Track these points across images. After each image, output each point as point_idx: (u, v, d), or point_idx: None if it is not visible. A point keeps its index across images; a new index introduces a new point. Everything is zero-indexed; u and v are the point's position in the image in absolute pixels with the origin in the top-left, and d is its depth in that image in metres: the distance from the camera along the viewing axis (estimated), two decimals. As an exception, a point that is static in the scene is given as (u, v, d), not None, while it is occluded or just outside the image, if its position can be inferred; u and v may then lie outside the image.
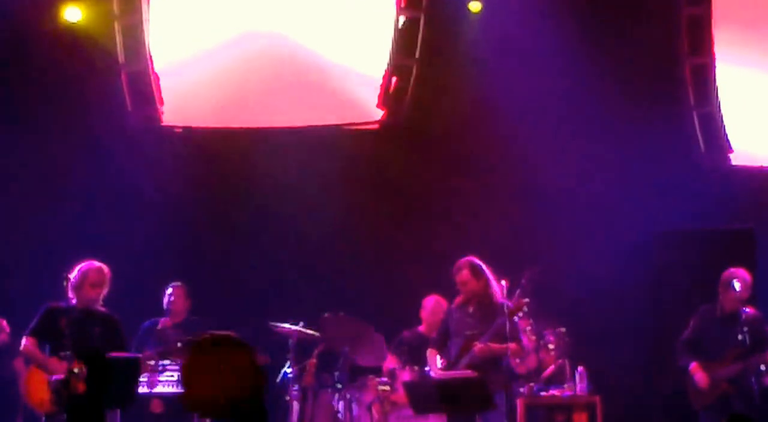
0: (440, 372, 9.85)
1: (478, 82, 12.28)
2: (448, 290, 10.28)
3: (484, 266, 9.87)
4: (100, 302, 9.60)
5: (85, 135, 12.12)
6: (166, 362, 10.43)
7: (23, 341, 9.50)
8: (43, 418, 9.44)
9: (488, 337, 9.60)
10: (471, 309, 9.86)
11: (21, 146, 12.03)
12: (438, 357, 9.92)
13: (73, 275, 9.51)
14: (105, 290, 9.59)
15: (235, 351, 5.15)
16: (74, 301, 9.50)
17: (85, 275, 9.51)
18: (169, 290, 11.13)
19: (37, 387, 9.31)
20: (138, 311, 10.94)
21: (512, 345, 9.66)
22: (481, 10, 12.25)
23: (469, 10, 12.29)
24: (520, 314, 9.66)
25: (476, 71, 12.29)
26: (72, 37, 12.03)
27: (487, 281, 9.81)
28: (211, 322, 10.89)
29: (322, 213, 12.21)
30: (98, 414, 9.07)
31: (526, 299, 9.68)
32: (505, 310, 9.53)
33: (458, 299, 10.00)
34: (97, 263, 9.62)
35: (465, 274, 9.85)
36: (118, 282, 11.43)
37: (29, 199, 12.02)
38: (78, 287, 9.49)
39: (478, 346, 9.59)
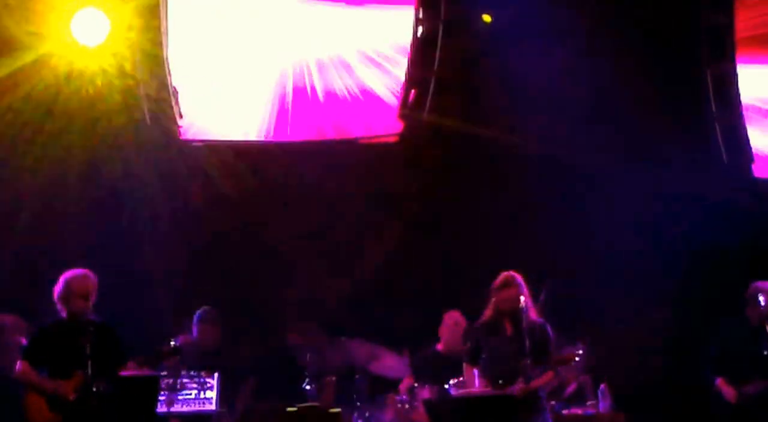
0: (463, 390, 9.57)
1: (497, 93, 12.21)
2: (469, 305, 10.16)
3: (523, 284, 9.22)
4: (90, 311, 9.18)
5: (104, 149, 12.13)
6: (186, 380, 10.37)
7: (17, 365, 9.15)
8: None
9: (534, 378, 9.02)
10: (509, 332, 9.18)
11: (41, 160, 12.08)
12: (476, 373, 9.29)
13: (58, 287, 9.17)
14: (93, 298, 9.15)
15: None
16: (63, 314, 9.18)
17: (70, 286, 9.15)
18: (198, 317, 10.91)
19: (39, 410, 9.03)
20: (154, 329, 10.89)
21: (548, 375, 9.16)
22: (491, 20, 12.22)
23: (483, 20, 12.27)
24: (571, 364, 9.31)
25: (495, 83, 12.22)
26: (90, 53, 12.00)
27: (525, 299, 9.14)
28: (237, 351, 10.91)
29: (340, 227, 12.19)
30: None
31: (579, 351, 9.33)
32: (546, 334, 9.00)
33: (486, 317, 9.29)
34: (81, 271, 9.22)
35: (513, 292, 9.11)
36: (135, 298, 11.51)
37: (50, 211, 12.02)
38: (65, 299, 9.14)
39: (518, 388, 8.97)
